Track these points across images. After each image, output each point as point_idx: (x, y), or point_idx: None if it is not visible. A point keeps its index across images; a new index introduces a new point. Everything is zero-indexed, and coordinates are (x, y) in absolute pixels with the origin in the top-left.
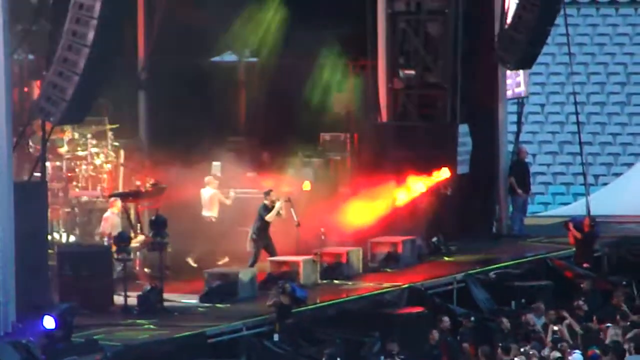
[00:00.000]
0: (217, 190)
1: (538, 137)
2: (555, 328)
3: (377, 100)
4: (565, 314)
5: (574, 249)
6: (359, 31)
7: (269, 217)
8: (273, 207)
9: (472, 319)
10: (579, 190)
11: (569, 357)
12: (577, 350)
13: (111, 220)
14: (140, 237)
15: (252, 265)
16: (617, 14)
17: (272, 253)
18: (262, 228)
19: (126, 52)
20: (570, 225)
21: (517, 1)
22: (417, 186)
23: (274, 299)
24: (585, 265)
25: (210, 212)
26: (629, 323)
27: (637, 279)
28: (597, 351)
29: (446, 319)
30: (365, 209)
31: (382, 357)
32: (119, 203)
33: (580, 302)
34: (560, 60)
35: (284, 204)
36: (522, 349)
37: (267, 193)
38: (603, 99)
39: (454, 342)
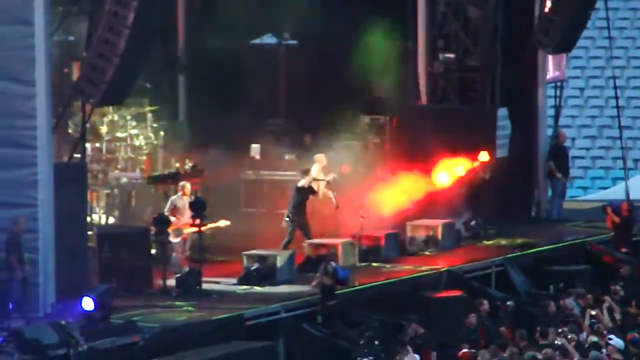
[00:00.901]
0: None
1: (577, 121)
2: (593, 312)
3: (417, 84)
4: (607, 297)
5: (612, 233)
6: (399, 14)
7: (303, 183)
8: (310, 187)
9: (510, 303)
10: (618, 175)
11: (608, 341)
12: (612, 335)
13: (175, 202)
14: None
15: (286, 246)
16: None
17: (307, 234)
18: (298, 207)
19: (166, 35)
20: (609, 210)
21: None
22: (456, 169)
23: (317, 280)
24: (623, 249)
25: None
26: None
27: None
28: (637, 335)
29: (485, 302)
30: (404, 192)
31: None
32: (188, 187)
33: (618, 287)
34: (600, 44)
35: (323, 185)
36: (559, 333)
37: (305, 172)
38: None
39: (491, 326)
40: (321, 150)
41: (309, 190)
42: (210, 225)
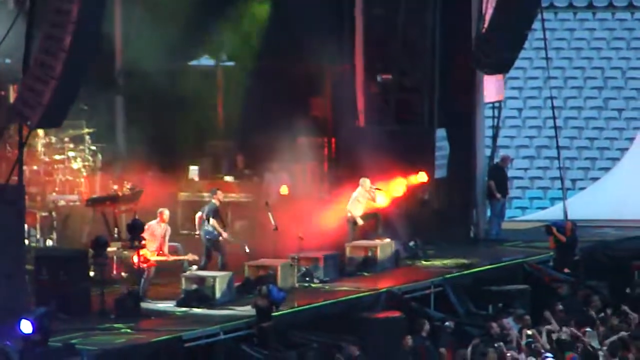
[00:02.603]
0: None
1: (515, 142)
2: (529, 332)
3: (355, 105)
4: (549, 315)
5: (551, 253)
6: (337, 35)
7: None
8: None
9: (449, 323)
10: (556, 195)
11: None
12: (549, 354)
13: (152, 228)
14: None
15: (203, 268)
16: (594, 18)
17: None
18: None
19: (103, 57)
20: (554, 230)
21: (494, 5)
22: (394, 190)
23: (252, 301)
24: (565, 270)
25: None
26: (605, 328)
27: (614, 283)
28: (576, 355)
29: (426, 323)
30: (342, 214)
31: None
32: (165, 215)
33: (560, 307)
34: (537, 65)
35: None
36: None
37: (214, 192)
38: (580, 103)
39: (431, 346)
40: (259, 171)
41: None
42: (177, 258)
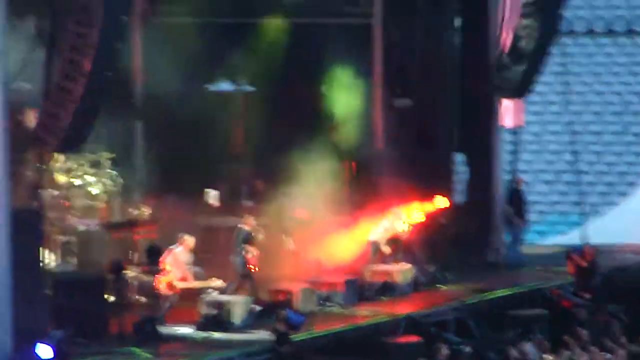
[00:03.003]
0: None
1: (534, 166)
2: (550, 357)
3: (375, 129)
4: (569, 340)
5: (571, 278)
6: (356, 60)
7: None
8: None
9: (468, 348)
10: (575, 220)
11: None
12: None
13: (177, 256)
14: (217, 282)
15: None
16: (613, 43)
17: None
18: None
19: (123, 81)
20: (575, 255)
21: (513, 30)
22: (413, 215)
23: (271, 326)
24: (585, 295)
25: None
26: (626, 352)
27: (633, 308)
28: None
29: (444, 347)
30: (362, 238)
31: None
32: (190, 241)
33: (584, 332)
34: (556, 90)
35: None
36: None
37: (244, 217)
38: (599, 128)
39: None
40: (279, 196)
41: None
42: (202, 285)
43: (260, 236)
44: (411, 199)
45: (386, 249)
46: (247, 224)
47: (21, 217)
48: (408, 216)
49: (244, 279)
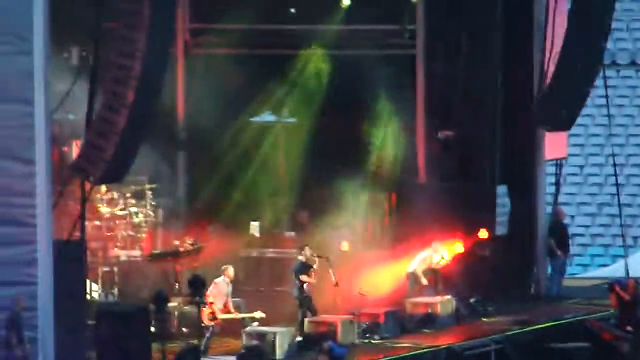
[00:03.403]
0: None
1: (577, 199)
2: None
3: (416, 160)
4: None
5: (612, 311)
6: (398, 90)
7: (304, 277)
8: (309, 263)
9: None
10: (617, 252)
11: None
12: None
13: (219, 287)
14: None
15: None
16: None
17: (314, 313)
18: (302, 287)
19: (166, 112)
20: (617, 288)
21: (556, 62)
22: (455, 247)
23: (313, 358)
24: (628, 328)
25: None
26: None
27: None
28: None
29: None
30: (402, 270)
31: None
32: (231, 271)
33: None
34: (599, 122)
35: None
36: None
37: (302, 248)
38: None
39: None
40: (320, 227)
41: (307, 266)
42: (245, 315)
43: (315, 266)
44: (453, 231)
45: (424, 281)
46: (303, 255)
47: (64, 248)
48: (448, 248)
49: (304, 309)
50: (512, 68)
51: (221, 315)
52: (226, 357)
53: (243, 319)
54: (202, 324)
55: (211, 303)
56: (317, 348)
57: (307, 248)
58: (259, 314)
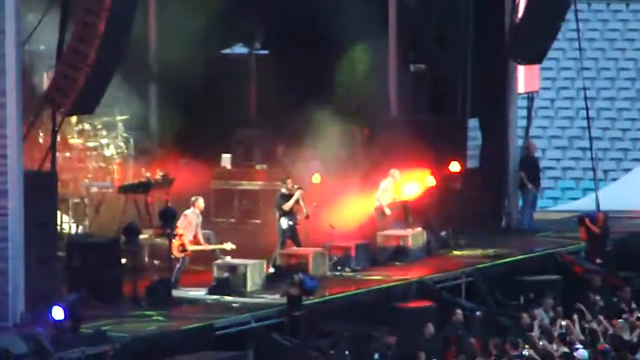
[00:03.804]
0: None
1: (548, 132)
2: (564, 323)
3: (388, 94)
4: (582, 307)
5: (583, 244)
6: (369, 25)
7: (286, 206)
8: (291, 195)
9: (479, 313)
10: (588, 186)
11: (574, 353)
12: (579, 346)
13: (189, 218)
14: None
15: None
16: (627, 9)
17: (297, 242)
18: (284, 218)
19: (137, 44)
20: (587, 220)
21: None
22: (426, 180)
23: (284, 290)
24: (597, 260)
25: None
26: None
27: None
28: (608, 346)
29: (459, 312)
30: (373, 203)
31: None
32: (200, 203)
33: (597, 298)
34: (570, 56)
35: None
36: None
37: (284, 181)
38: (613, 94)
39: (463, 335)
40: (292, 160)
41: (289, 197)
42: (215, 247)
43: (299, 196)
44: (424, 164)
45: (387, 211)
46: (285, 187)
47: (35, 179)
48: (420, 181)
49: (287, 239)
50: (483, 2)
51: (191, 247)
52: (197, 289)
53: (213, 250)
54: (172, 256)
55: (181, 235)
56: (288, 280)
57: (288, 181)
58: (229, 245)
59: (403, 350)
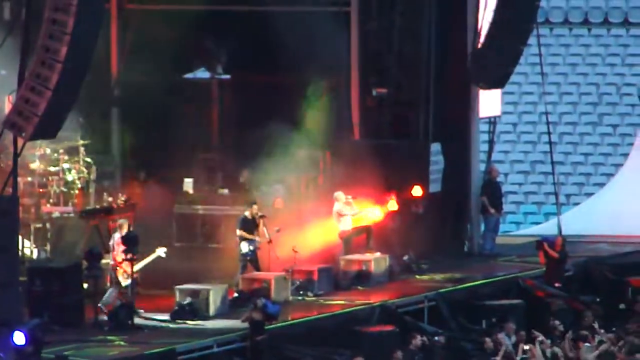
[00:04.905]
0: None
1: (510, 157)
2: (526, 347)
3: (351, 118)
4: (538, 333)
5: (544, 268)
6: (333, 48)
7: (241, 233)
8: (253, 219)
9: (441, 337)
10: (550, 210)
11: None
12: None
13: (117, 242)
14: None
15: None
16: (589, 34)
17: (257, 267)
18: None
19: (99, 68)
20: (545, 245)
21: (490, 20)
22: (389, 204)
23: (246, 315)
24: (557, 284)
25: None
26: (598, 342)
27: (607, 299)
28: None
29: (418, 336)
30: (336, 228)
31: None
32: (125, 226)
33: (557, 322)
34: (532, 80)
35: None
36: None
37: (250, 204)
38: (575, 119)
39: None
40: (255, 184)
41: (253, 222)
42: (149, 258)
43: (262, 223)
44: (387, 188)
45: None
46: (250, 211)
47: None
48: (382, 204)
49: (247, 264)
50: (446, 26)
51: (134, 268)
52: (160, 314)
53: (151, 261)
54: (120, 288)
55: (120, 262)
56: (250, 305)
57: (255, 206)
58: (161, 250)
59: None
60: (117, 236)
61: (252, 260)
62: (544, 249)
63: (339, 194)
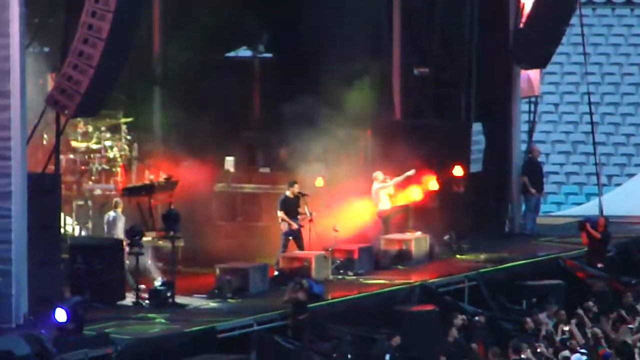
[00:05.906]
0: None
1: (551, 137)
2: (566, 328)
3: (392, 98)
4: (580, 312)
5: (586, 249)
6: (375, 28)
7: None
8: (295, 198)
9: (481, 317)
10: (591, 191)
11: (572, 357)
12: (582, 350)
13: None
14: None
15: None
16: (632, 14)
17: (300, 246)
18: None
19: (142, 47)
20: (588, 225)
21: (532, 0)
22: (430, 184)
23: (291, 295)
24: (599, 265)
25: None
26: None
27: None
28: (609, 350)
29: (460, 317)
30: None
31: (388, 356)
32: (120, 205)
33: (590, 304)
34: (574, 60)
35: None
36: (530, 349)
37: (291, 184)
38: (617, 99)
39: (463, 341)
40: (296, 163)
41: (294, 201)
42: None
43: (302, 201)
44: (428, 168)
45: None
46: (291, 190)
47: (38, 181)
48: (423, 185)
49: (290, 241)
50: (488, 6)
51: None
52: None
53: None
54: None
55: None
56: (293, 285)
57: (296, 185)
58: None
59: (405, 352)
60: (112, 215)
61: (296, 238)
62: (586, 230)
63: (378, 174)
